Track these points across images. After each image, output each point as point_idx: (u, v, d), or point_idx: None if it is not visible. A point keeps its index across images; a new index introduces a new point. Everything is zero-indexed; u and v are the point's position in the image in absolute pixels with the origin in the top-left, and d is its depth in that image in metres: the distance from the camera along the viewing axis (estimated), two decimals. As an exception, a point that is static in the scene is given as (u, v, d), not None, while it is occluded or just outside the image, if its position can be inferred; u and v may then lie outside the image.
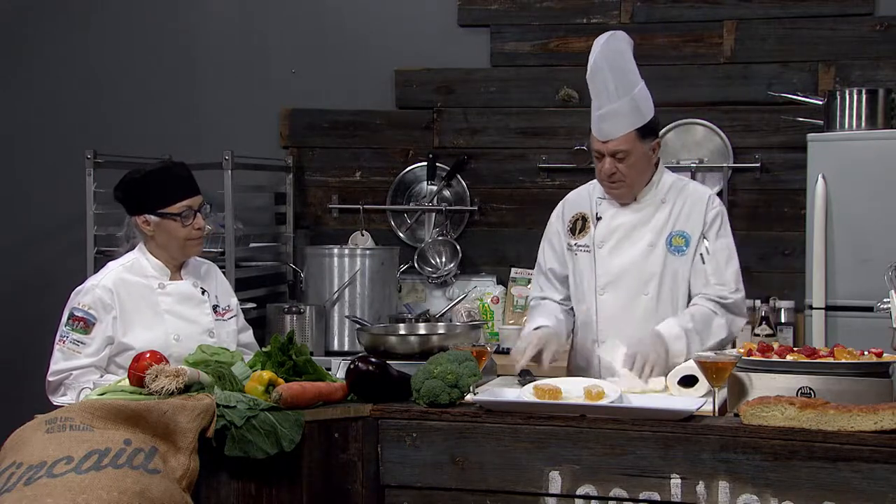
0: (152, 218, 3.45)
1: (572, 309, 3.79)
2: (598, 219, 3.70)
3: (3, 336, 5.87)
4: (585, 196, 3.79)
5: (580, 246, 3.72)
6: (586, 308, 3.70)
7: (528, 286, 5.34)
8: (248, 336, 3.75)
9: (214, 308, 3.58)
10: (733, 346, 3.66)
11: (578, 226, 3.74)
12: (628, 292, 3.64)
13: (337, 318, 5.09)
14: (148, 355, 2.97)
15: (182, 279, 3.55)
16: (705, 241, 3.63)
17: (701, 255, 3.62)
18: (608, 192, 3.67)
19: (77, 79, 5.93)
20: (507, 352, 5.05)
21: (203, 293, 3.57)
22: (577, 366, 3.78)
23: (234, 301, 3.70)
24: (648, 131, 3.59)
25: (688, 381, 3.16)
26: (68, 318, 3.40)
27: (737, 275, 3.66)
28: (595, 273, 3.68)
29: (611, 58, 3.55)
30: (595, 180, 3.77)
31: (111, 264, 3.55)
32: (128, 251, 3.58)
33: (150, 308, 3.45)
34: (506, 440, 2.86)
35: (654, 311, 3.61)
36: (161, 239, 3.47)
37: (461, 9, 5.54)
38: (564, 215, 3.80)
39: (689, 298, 3.64)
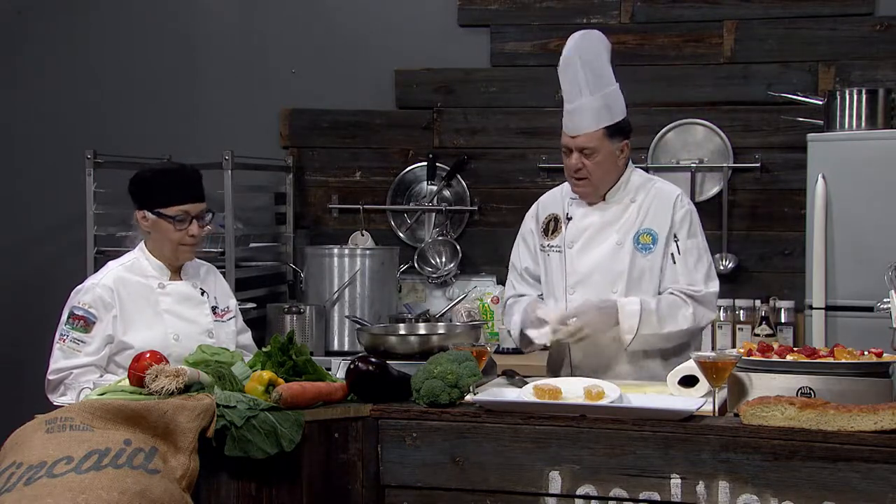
0: (150, 215, 3.46)
1: None
2: (569, 219, 3.74)
3: (3, 336, 5.88)
4: (558, 197, 3.82)
5: (552, 246, 3.75)
6: (556, 308, 3.69)
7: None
8: (247, 338, 3.75)
9: (213, 309, 3.58)
10: (734, 347, 3.67)
11: (551, 226, 3.78)
12: (597, 291, 3.64)
13: (337, 318, 5.09)
14: (148, 355, 2.97)
15: (182, 279, 3.55)
16: (676, 241, 3.64)
17: (672, 254, 3.64)
18: (574, 189, 3.71)
19: (77, 79, 5.93)
20: (506, 352, 5.06)
21: (202, 294, 3.57)
22: (553, 362, 3.81)
23: (233, 302, 3.70)
24: (617, 131, 3.63)
25: (688, 381, 3.16)
26: (68, 317, 3.40)
27: (707, 273, 3.66)
28: (565, 272, 3.70)
29: (584, 54, 3.59)
30: (567, 183, 3.81)
31: (111, 264, 3.55)
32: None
33: (150, 307, 3.46)
34: (506, 440, 2.86)
35: None
36: (156, 238, 3.49)
37: (461, 9, 5.54)
38: (539, 216, 3.83)
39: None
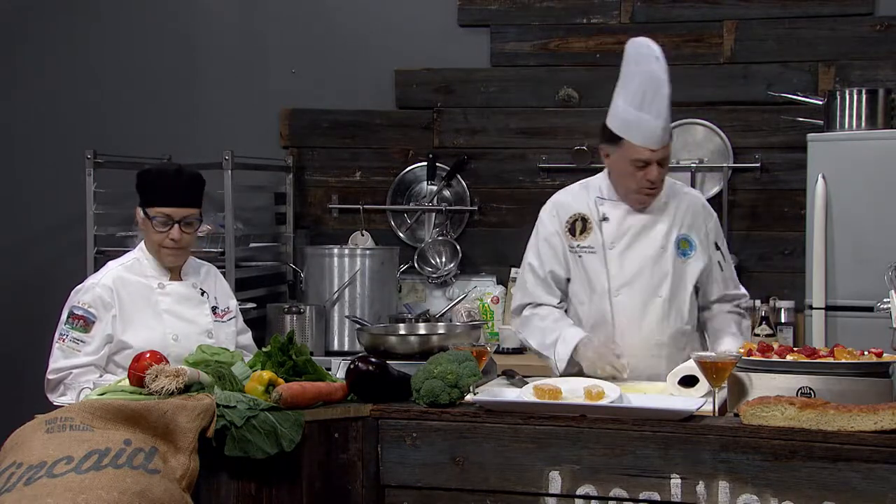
0: (140, 213, 3.47)
1: (566, 311, 3.76)
2: (604, 219, 3.67)
3: (3, 336, 5.87)
4: (580, 197, 3.74)
5: (584, 248, 3.68)
6: (599, 310, 3.65)
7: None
8: (247, 338, 3.75)
9: (213, 309, 3.58)
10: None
11: (578, 227, 3.70)
12: (643, 293, 3.63)
13: (337, 318, 5.09)
14: (148, 355, 2.97)
15: (182, 280, 3.55)
16: (718, 250, 3.71)
17: (719, 263, 3.70)
18: (639, 202, 3.63)
19: (77, 79, 5.93)
20: (507, 352, 5.06)
21: (202, 294, 3.57)
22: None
23: (233, 303, 3.70)
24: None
25: (688, 381, 3.16)
26: (68, 317, 3.40)
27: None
28: (608, 274, 3.64)
29: (665, 68, 3.52)
30: (583, 182, 3.79)
31: (111, 263, 3.55)
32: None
33: (150, 307, 3.46)
34: (506, 440, 2.86)
35: (667, 313, 3.62)
36: (145, 236, 3.50)
37: (461, 9, 5.54)
38: (560, 217, 3.73)
39: (696, 304, 3.69)
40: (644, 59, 3.51)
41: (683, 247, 3.66)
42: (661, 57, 3.50)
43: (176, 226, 3.43)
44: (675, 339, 3.63)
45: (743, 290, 3.82)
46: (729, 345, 3.55)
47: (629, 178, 3.57)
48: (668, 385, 3.20)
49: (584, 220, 3.70)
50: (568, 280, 3.73)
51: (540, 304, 3.75)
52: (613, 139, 3.56)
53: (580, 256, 3.69)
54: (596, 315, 3.67)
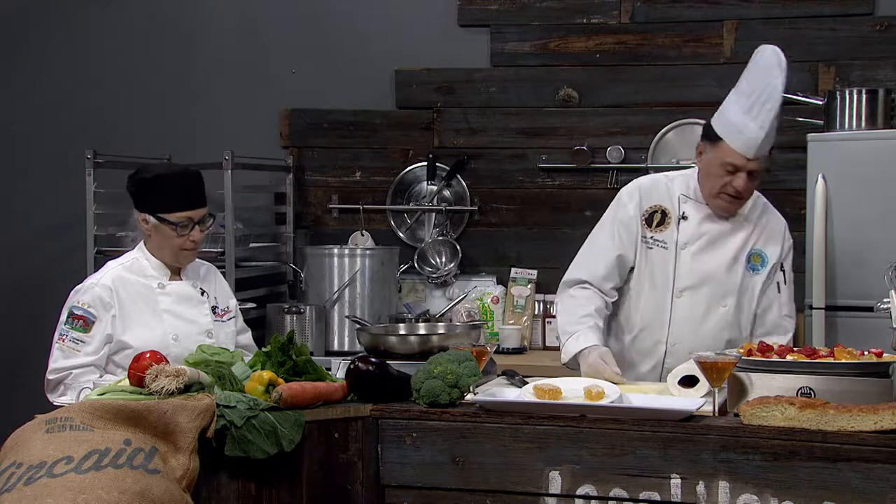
0: (151, 219, 3.46)
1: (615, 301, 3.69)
2: (684, 218, 3.62)
3: (3, 336, 5.87)
4: (664, 189, 3.67)
5: (657, 241, 3.62)
6: (657, 306, 3.62)
7: (528, 286, 5.34)
8: (247, 338, 3.75)
9: (213, 309, 3.59)
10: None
11: (656, 219, 3.63)
12: (707, 301, 3.59)
13: (337, 318, 5.08)
14: (148, 355, 2.97)
15: (181, 279, 3.55)
16: (783, 271, 3.66)
17: (779, 283, 3.65)
18: (720, 207, 3.57)
19: (77, 79, 5.93)
20: (507, 352, 5.06)
21: (202, 294, 3.58)
22: (630, 361, 3.68)
23: (233, 303, 3.70)
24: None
25: (688, 381, 3.16)
26: (68, 317, 3.40)
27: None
28: (675, 274, 3.60)
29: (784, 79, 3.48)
30: (670, 174, 3.74)
31: (111, 263, 3.55)
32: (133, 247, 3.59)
33: (149, 307, 3.46)
34: (506, 440, 2.86)
35: (727, 325, 3.60)
36: (156, 241, 3.49)
37: (461, 9, 5.54)
38: (641, 203, 3.65)
39: (754, 318, 3.64)
40: (766, 66, 3.48)
41: (754, 261, 3.62)
42: (784, 67, 3.46)
43: (196, 227, 3.45)
44: (728, 347, 3.54)
45: (793, 323, 3.69)
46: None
47: (715, 180, 3.53)
48: (669, 385, 3.20)
49: (664, 213, 3.64)
50: (632, 269, 3.66)
51: (591, 287, 3.64)
52: (713, 137, 3.53)
53: (650, 248, 3.63)
54: (652, 311, 3.63)
